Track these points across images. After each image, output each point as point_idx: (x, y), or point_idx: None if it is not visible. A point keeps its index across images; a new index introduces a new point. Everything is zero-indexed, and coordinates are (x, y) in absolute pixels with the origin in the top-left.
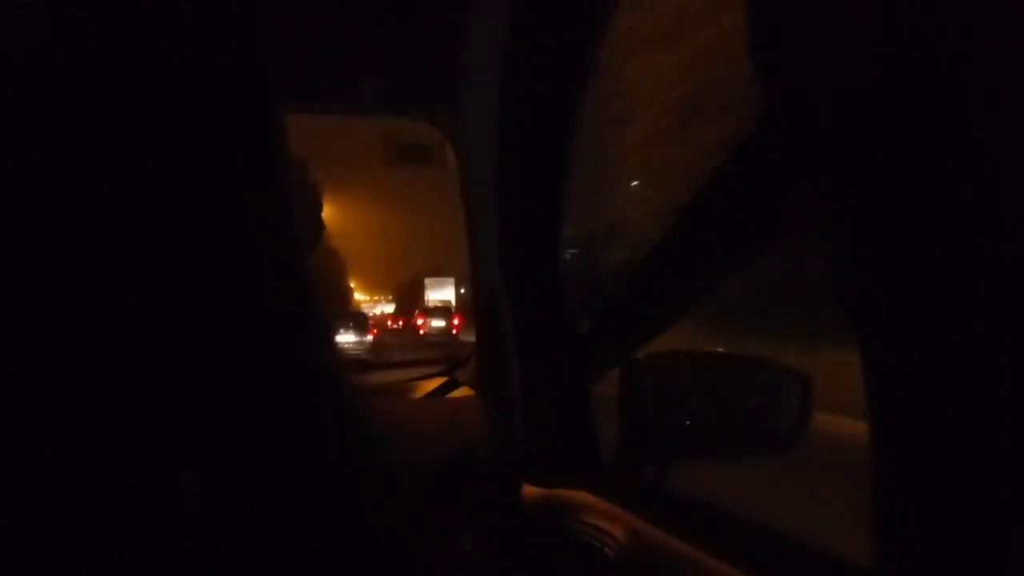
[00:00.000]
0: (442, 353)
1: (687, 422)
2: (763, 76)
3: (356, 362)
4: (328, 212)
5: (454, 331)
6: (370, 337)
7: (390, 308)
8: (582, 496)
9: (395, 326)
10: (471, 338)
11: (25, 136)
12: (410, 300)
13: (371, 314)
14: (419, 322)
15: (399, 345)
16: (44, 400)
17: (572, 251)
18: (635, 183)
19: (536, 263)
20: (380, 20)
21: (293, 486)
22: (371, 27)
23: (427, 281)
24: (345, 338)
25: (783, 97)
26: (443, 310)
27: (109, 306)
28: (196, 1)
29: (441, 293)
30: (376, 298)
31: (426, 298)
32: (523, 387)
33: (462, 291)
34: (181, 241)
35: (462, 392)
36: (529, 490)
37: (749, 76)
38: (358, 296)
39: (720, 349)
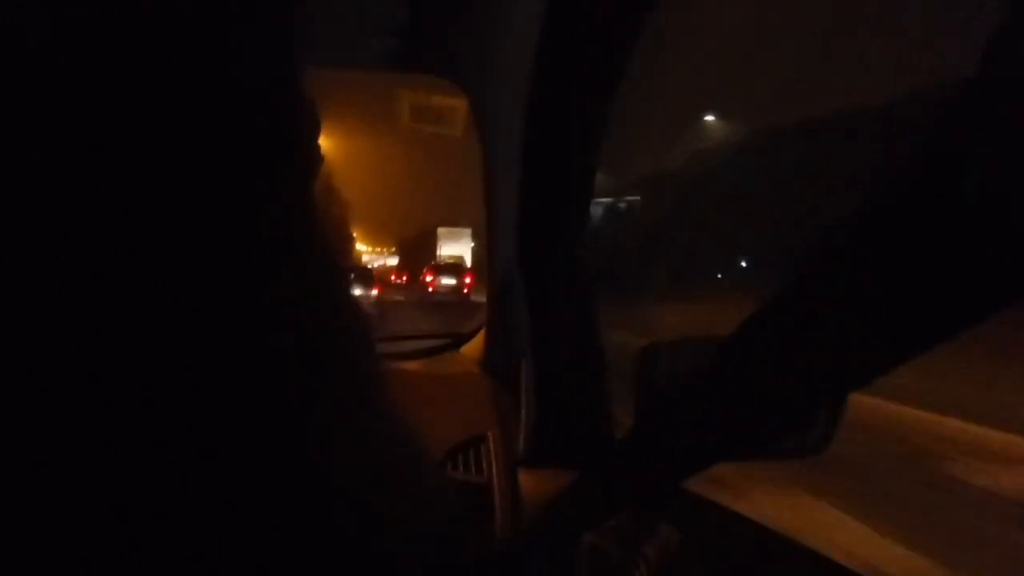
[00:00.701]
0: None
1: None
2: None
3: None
4: (326, 144)
5: (465, 290)
6: (375, 292)
7: (393, 261)
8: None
9: (399, 281)
10: (483, 298)
11: (23, 134)
12: (416, 254)
13: (372, 266)
14: (428, 279)
15: (405, 302)
16: (43, 400)
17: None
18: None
19: (556, 243)
20: None
21: (300, 481)
22: None
23: (440, 232)
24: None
25: None
26: (454, 267)
27: (112, 295)
28: None
29: (455, 247)
30: (378, 249)
31: (438, 251)
32: (536, 371)
33: (472, 246)
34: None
35: (467, 368)
36: (537, 474)
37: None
38: (359, 246)
39: None
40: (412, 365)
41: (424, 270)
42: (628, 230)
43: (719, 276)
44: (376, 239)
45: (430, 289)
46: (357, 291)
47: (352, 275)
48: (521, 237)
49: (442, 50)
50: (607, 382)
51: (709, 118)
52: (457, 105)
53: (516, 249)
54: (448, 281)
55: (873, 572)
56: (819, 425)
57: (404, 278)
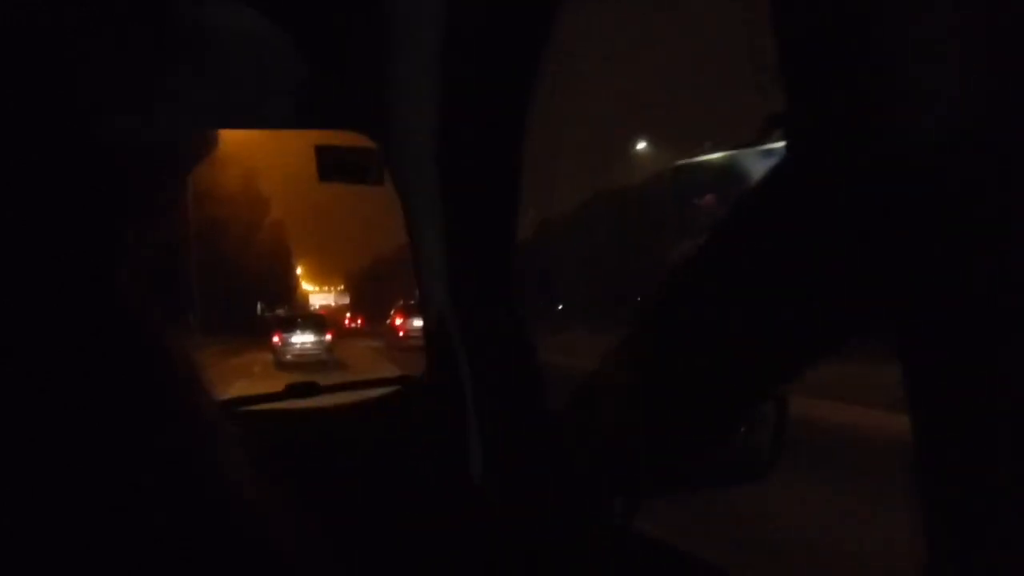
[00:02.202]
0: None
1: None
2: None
3: (303, 386)
4: (268, 184)
5: None
6: (328, 337)
7: (344, 299)
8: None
9: (352, 325)
10: None
11: None
12: (372, 290)
13: (319, 304)
14: (398, 321)
15: (375, 351)
16: None
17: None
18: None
19: (487, 282)
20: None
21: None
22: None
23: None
24: (304, 339)
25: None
26: None
27: None
28: None
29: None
30: (325, 288)
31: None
32: (477, 412)
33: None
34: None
35: (415, 413)
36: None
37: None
38: (305, 286)
39: None
40: (360, 410)
41: (392, 311)
42: (561, 258)
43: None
44: (323, 276)
45: (400, 334)
46: (312, 336)
47: (299, 321)
48: (450, 276)
49: (345, 104)
50: (548, 412)
51: (639, 145)
52: (370, 156)
53: (447, 289)
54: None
55: None
56: (765, 431)
57: (359, 321)
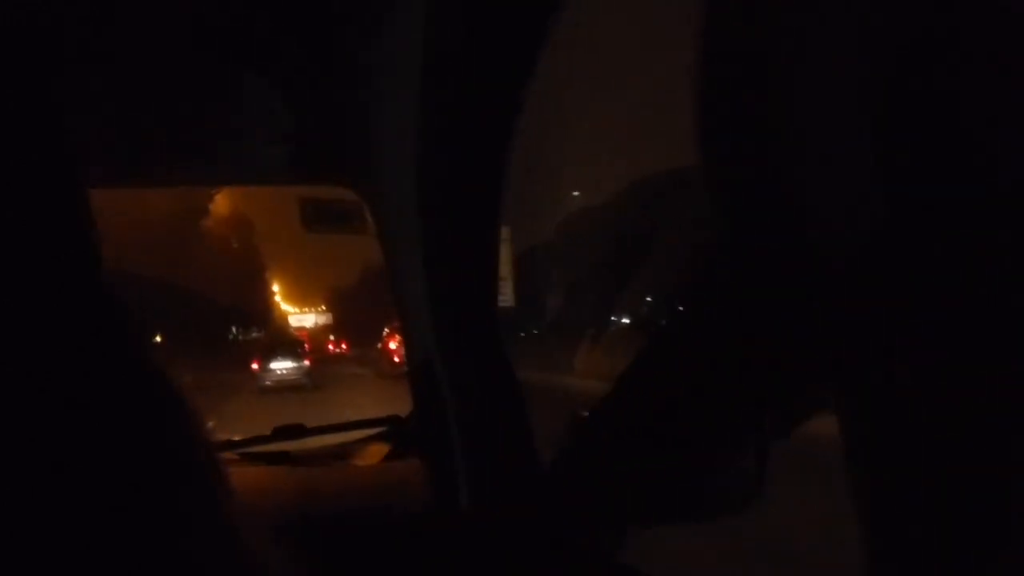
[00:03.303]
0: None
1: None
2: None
3: (290, 428)
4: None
5: None
6: (307, 363)
7: (325, 319)
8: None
9: (337, 350)
10: None
11: None
12: (356, 309)
13: (300, 325)
14: (391, 345)
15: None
16: None
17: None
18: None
19: (469, 323)
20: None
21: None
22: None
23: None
24: (282, 364)
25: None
26: None
27: None
28: None
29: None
30: (305, 309)
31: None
32: (464, 450)
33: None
34: None
35: (403, 454)
36: (479, 549)
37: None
38: (283, 306)
39: None
40: (348, 453)
41: (384, 333)
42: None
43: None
44: (302, 296)
45: (396, 359)
46: (290, 363)
47: (277, 348)
48: (435, 323)
49: (329, 159)
50: (536, 447)
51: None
52: (352, 206)
53: (431, 331)
54: None
55: None
56: (744, 479)
57: (344, 345)
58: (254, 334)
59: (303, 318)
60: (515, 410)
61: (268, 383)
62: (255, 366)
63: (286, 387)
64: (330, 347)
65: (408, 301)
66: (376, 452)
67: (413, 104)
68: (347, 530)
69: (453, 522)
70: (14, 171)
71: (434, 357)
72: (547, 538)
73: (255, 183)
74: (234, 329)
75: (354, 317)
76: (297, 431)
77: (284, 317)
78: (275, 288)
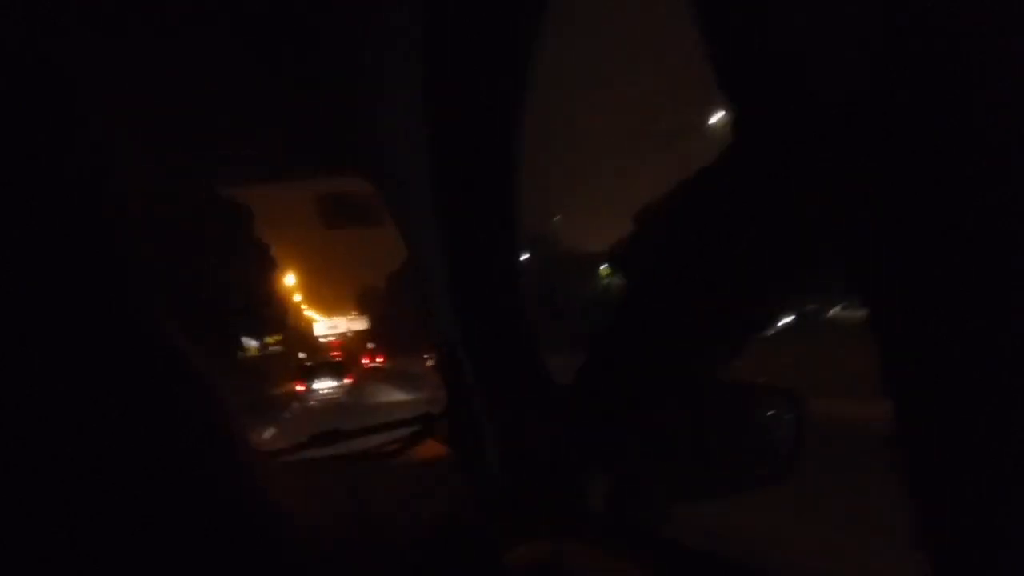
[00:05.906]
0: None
1: (679, 459)
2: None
3: (326, 434)
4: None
5: None
6: (348, 380)
7: (359, 325)
8: (570, 546)
9: (372, 364)
10: None
11: None
12: (391, 314)
13: (329, 338)
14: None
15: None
16: None
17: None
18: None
19: (494, 312)
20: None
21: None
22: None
23: None
24: (324, 384)
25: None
26: None
27: None
28: None
29: None
30: (334, 314)
31: None
32: (496, 440)
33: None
34: None
35: (440, 450)
36: (515, 543)
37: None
38: (308, 312)
39: None
40: (386, 453)
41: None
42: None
43: None
44: (331, 300)
45: None
46: (331, 381)
47: (315, 370)
48: (459, 315)
49: (343, 147)
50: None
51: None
52: (368, 200)
53: (458, 327)
54: None
55: None
56: (783, 430)
57: (380, 358)
58: (270, 347)
59: (332, 324)
60: (545, 399)
61: (312, 403)
62: (300, 388)
63: (330, 403)
64: (365, 360)
65: (431, 288)
66: (412, 451)
67: (421, 89)
68: (387, 530)
69: (487, 517)
70: (37, 160)
71: (461, 350)
72: (579, 525)
73: (267, 178)
74: (250, 342)
75: (391, 321)
76: (332, 436)
77: (309, 325)
78: (297, 297)
